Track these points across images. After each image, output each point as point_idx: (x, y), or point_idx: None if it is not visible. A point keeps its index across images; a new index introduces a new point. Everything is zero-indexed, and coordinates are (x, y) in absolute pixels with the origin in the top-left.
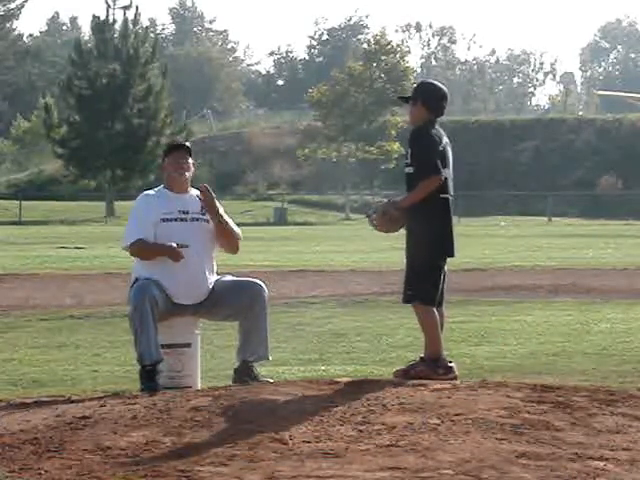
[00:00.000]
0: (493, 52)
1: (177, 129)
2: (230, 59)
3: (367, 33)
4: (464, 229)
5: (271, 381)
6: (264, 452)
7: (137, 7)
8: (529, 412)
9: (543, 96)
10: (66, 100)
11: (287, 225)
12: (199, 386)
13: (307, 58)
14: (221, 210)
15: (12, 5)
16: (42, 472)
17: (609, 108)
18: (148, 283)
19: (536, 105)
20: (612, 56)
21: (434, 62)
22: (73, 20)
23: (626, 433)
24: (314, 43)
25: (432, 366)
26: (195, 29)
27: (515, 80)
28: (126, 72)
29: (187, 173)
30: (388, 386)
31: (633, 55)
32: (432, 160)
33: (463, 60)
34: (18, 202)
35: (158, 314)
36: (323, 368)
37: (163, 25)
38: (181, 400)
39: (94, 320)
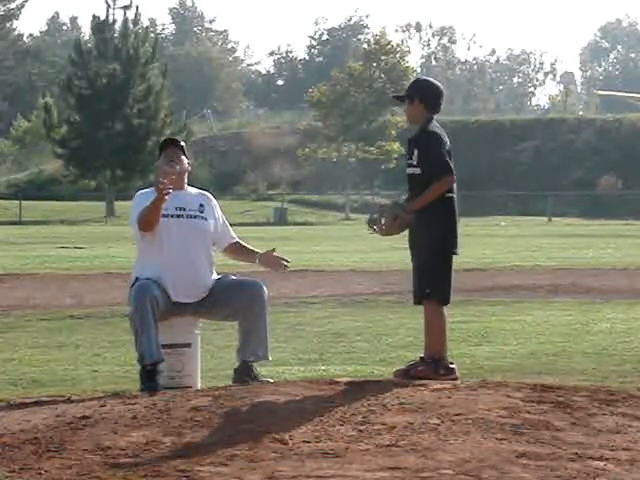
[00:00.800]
0: (493, 52)
1: (177, 129)
2: (230, 59)
3: (367, 33)
4: (464, 229)
5: (271, 381)
6: (264, 452)
7: (137, 7)
8: (529, 412)
9: (543, 96)
10: (66, 100)
11: (287, 225)
12: (199, 386)
13: (307, 58)
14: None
15: (12, 5)
16: (42, 472)
17: (609, 108)
18: (148, 283)
19: (536, 105)
20: (612, 56)
21: (434, 62)
22: (73, 20)
23: (626, 433)
24: (314, 43)
25: (433, 366)
26: (195, 29)
27: (515, 80)
28: (126, 72)
29: (178, 167)
30: (388, 386)
31: (633, 55)
32: (444, 160)
33: (463, 60)
34: (18, 202)
35: (158, 314)
36: (323, 368)
37: (163, 25)
38: (181, 400)
39: (94, 320)
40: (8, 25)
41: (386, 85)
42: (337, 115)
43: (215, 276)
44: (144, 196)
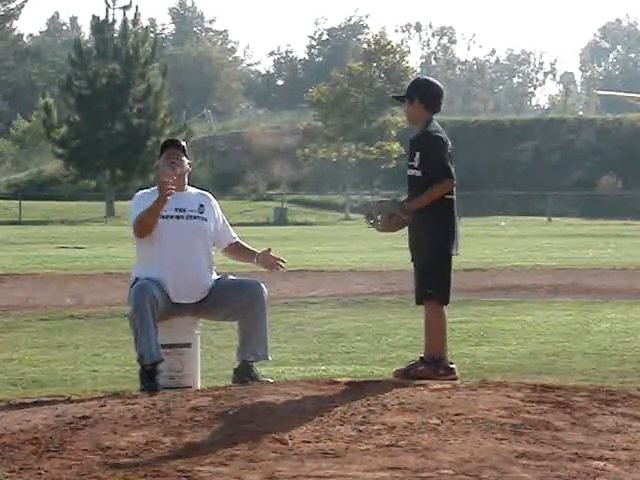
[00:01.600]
0: (493, 52)
1: (177, 129)
2: (230, 59)
3: (367, 33)
4: (464, 229)
5: (271, 381)
6: (264, 452)
7: (137, 7)
8: (529, 412)
9: (543, 96)
10: (66, 100)
11: (287, 225)
12: (199, 386)
13: (307, 58)
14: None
15: (12, 5)
16: (42, 472)
17: (609, 108)
18: (148, 283)
19: (536, 105)
20: (612, 56)
21: (434, 62)
22: (73, 20)
23: (626, 433)
24: (314, 43)
25: (433, 366)
26: (195, 29)
27: (515, 80)
28: (126, 72)
29: (179, 169)
30: (388, 386)
31: (633, 55)
32: (445, 164)
33: (463, 60)
34: (18, 202)
35: (158, 314)
36: (323, 368)
37: (163, 25)
38: (181, 400)
39: (94, 320)
40: (8, 25)
41: (386, 85)
42: (337, 115)
43: (215, 276)
44: (143, 197)
